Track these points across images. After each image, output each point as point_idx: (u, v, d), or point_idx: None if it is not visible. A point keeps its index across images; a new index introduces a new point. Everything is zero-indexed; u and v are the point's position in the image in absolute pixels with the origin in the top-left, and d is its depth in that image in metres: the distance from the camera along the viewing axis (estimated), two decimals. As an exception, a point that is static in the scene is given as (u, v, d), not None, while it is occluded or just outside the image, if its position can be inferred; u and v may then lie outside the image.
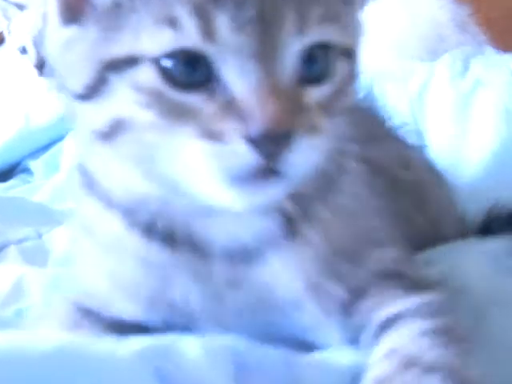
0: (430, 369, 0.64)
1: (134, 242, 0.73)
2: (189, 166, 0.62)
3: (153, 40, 0.61)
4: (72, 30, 0.67)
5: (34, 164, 2.05)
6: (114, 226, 0.74)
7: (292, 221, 0.73)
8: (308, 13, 0.64)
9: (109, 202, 0.74)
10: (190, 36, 0.61)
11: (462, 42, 2.02)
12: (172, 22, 0.61)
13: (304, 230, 0.73)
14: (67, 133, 2.01)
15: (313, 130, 0.63)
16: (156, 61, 0.61)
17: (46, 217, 1.42)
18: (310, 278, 0.74)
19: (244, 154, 0.60)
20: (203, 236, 0.72)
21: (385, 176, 0.92)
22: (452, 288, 0.78)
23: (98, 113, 0.65)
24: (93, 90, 0.65)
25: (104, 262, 0.76)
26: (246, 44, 0.61)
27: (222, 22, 0.60)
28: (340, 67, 0.68)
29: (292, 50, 0.63)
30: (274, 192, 0.65)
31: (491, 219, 1.18)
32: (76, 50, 0.66)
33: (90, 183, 0.76)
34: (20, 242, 1.24)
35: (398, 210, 0.91)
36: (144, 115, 0.62)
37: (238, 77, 0.61)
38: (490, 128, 1.47)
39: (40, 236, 1.31)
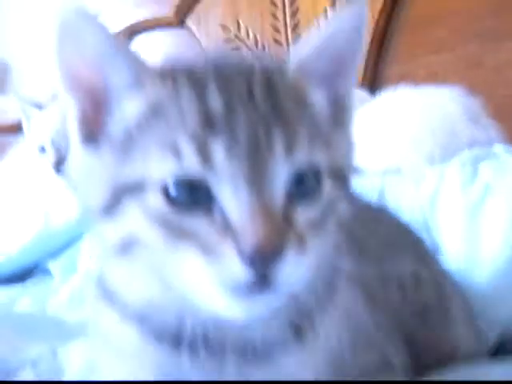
0: None
1: (148, 349, 0.77)
2: (191, 279, 0.68)
3: (158, 167, 0.69)
4: (91, 156, 0.75)
5: (52, 265, 2.07)
6: (130, 336, 0.78)
7: (297, 327, 0.78)
8: (296, 140, 0.70)
9: (125, 312, 0.79)
10: (190, 163, 0.68)
11: (475, 136, 2.02)
12: (175, 151, 0.68)
13: (309, 335, 0.78)
14: (85, 233, 2.06)
15: (301, 245, 0.68)
16: (161, 186, 0.68)
17: (60, 331, 1.43)
18: (317, 377, 0.79)
19: (238, 270, 0.66)
20: (216, 339, 0.76)
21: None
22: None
23: (114, 229, 0.72)
24: (109, 209, 0.72)
25: (121, 370, 0.80)
26: (239, 170, 0.67)
27: (218, 151, 0.67)
28: (328, 188, 0.73)
29: (282, 173, 0.69)
30: (269, 303, 0.70)
31: (505, 340, 1.20)
32: (94, 173, 0.74)
33: (107, 295, 0.82)
34: (34, 364, 1.25)
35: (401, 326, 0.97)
36: (151, 234, 0.69)
37: (232, 200, 0.67)
38: (501, 238, 1.47)
39: (54, 355, 1.31)
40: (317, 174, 0.73)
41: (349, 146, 0.81)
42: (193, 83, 0.72)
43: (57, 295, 1.83)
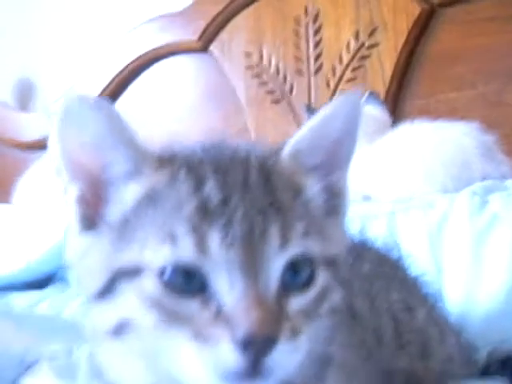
0: None
1: None
2: (183, 364, 0.69)
3: (155, 254, 0.70)
4: (89, 238, 0.76)
5: (70, 274, 2.11)
6: None
7: None
8: (291, 230, 0.71)
9: None
10: (186, 251, 0.69)
11: (487, 171, 2.07)
12: (171, 239, 0.69)
13: None
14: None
15: (294, 334, 0.69)
16: (157, 272, 0.69)
17: (76, 333, 1.48)
18: None
19: (230, 356, 0.67)
20: None
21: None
22: None
23: (108, 313, 0.73)
24: (104, 293, 0.73)
25: None
26: (234, 260, 0.69)
27: (214, 240, 0.69)
28: (321, 276, 0.74)
29: (276, 263, 0.70)
30: None
31: (491, 361, 1.21)
32: (91, 257, 0.76)
33: (98, 373, 0.82)
34: (51, 359, 1.29)
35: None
36: (145, 318, 0.70)
37: (226, 288, 0.69)
38: (504, 268, 1.51)
39: (70, 353, 1.36)
40: (310, 264, 0.74)
41: (342, 234, 0.83)
42: (190, 172, 0.74)
43: (73, 302, 1.88)
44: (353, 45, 2.75)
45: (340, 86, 2.76)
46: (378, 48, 2.71)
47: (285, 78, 2.88)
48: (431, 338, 1.12)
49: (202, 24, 3.03)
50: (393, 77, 2.67)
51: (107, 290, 0.72)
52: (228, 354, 0.67)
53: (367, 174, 2.22)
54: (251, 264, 0.69)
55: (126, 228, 0.74)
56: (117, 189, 0.76)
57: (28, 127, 3.38)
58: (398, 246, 1.29)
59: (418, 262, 1.29)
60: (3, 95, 3.61)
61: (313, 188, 0.79)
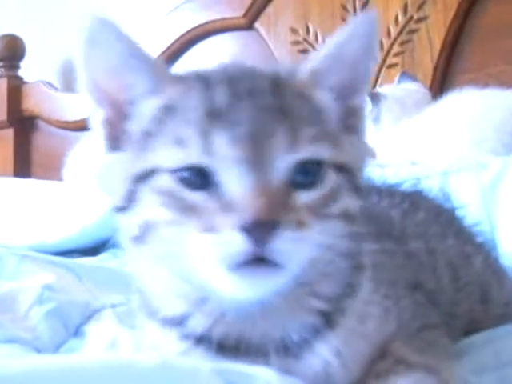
0: None
1: (189, 354, 0.81)
2: (195, 256, 0.73)
3: (168, 156, 0.75)
4: (113, 156, 0.82)
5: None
6: (171, 342, 0.83)
7: (328, 315, 0.81)
8: (300, 134, 0.75)
9: (162, 321, 0.84)
10: (194, 153, 0.74)
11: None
12: (181, 142, 0.75)
13: (341, 321, 0.81)
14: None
15: (299, 225, 0.73)
16: (170, 171, 0.75)
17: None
18: (360, 361, 0.82)
19: (236, 241, 0.70)
20: (252, 338, 0.80)
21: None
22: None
23: (132, 220, 0.78)
24: (127, 201, 0.78)
25: None
26: (239, 155, 0.73)
27: (220, 139, 0.73)
28: (330, 178, 0.78)
29: (282, 161, 0.74)
30: (272, 281, 0.75)
31: None
32: (116, 169, 0.80)
33: (145, 304, 0.88)
34: (114, 306, 1.32)
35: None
36: (164, 214, 0.74)
37: (232, 182, 0.73)
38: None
39: (130, 301, 1.39)
40: (319, 166, 0.77)
41: (361, 151, 0.86)
42: (202, 82, 0.79)
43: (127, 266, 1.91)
44: (401, 18, 2.74)
45: (387, 61, 2.76)
46: (427, 22, 2.70)
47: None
48: (489, 283, 1.14)
49: (248, 0, 3.04)
50: (441, 51, 2.66)
51: (129, 199, 0.77)
52: (233, 239, 0.70)
53: (415, 142, 2.22)
54: (257, 160, 0.73)
55: (145, 140, 0.79)
56: (138, 106, 0.81)
57: (73, 108, 3.43)
58: (452, 203, 1.30)
59: (472, 218, 1.29)
60: (49, 77, 3.66)
61: (327, 101, 0.82)
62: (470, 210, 1.47)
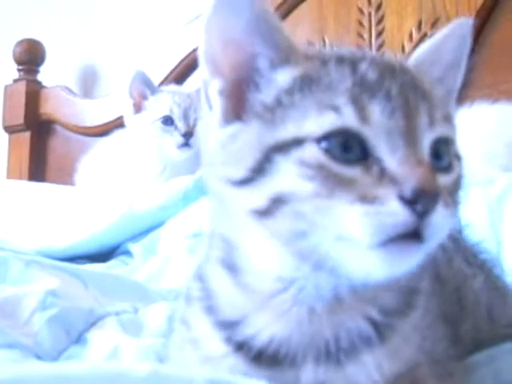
0: None
1: (230, 358, 0.81)
2: (343, 229, 0.71)
3: (316, 123, 0.73)
4: (234, 127, 0.79)
5: (133, 247, 2.17)
6: (216, 343, 0.83)
7: (379, 327, 0.80)
8: (435, 112, 0.77)
9: (216, 319, 0.83)
10: (349, 119, 0.73)
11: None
12: (334, 108, 0.73)
13: (389, 336, 0.80)
14: (165, 221, 2.16)
15: (447, 202, 0.73)
16: (319, 140, 0.73)
17: (142, 294, 1.52)
18: (387, 380, 0.80)
19: (398, 213, 0.69)
20: (297, 343, 0.79)
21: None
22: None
23: (258, 192, 0.75)
24: (256, 172, 0.75)
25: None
26: (395, 127, 0.73)
27: (375, 110, 0.73)
28: (457, 165, 0.80)
29: (426, 139, 0.75)
30: (414, 258, 0.74)
31: None
32: (239, 141, 0.78)
33: (207, 297, 0.86)
34: (118, 314, 1.34)
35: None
36: (306, 187, 0.72)
37: (389, 152, 0.72)
38: None
39: (136, 311, 1.40)
40: (449, 148, 0.79)
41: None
42: (341, 61, 0.78)
43: (136, 273, 1.93)
44: (415, 35, 2.74)
45: (402, 76, 2.76)
46: (441, 38, 2.70)
47: (346, 66, 2.88)
48: (492, 302, 1.13)
49: (266, 12, 3.05)
50: (454, 67, 2.66)
51: (261, 168, 0.74)
52: (395, 209, 0.69)
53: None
54: (410, 133, 0.73)
55: (279, 110, 0.76)
56: (266, 76, 0.79)
57: (91, 113, 3.45)
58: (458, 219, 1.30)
59: (478, 234, 1.29)
60: (67, 82, 3.68)
61: (439, 93, 0.83)
62: (477, 226, 1.48)
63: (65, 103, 3.57)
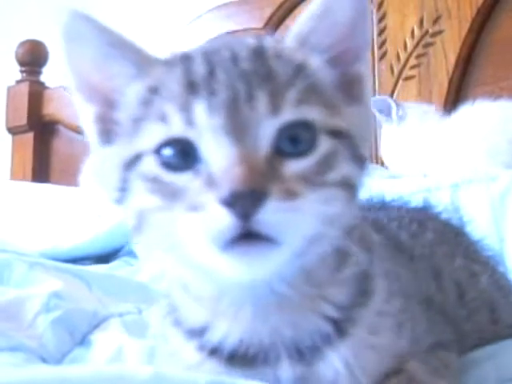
0: None
1: (206, 364, 0.81)
2: (185, 238, 0.71)
3: (150, 136, 0.74)
4: (106, 150, 0.81)
5: (137, 247, 2.16)
6: (190, 351, 0.83)
7: (337, 322, 0.80)
8: (282, 97, 0.73)
9: (184, 329, 0.84)
10: (175, 126, 0.72)
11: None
12: (163, 119, 0.73)
13: (351, 331, 0.80)
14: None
15: (289, 194, 0.70)
16: (153, 152, 0.73)
17: (146, 295, 1.52)
18: (368, 374, 0.81)
19: (220, 217, 0.68)
20: (264, 343, 0.79)
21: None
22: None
23: (128, 211, 0.77)
24: (122, 191, 0.76)
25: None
26: (218, 125, 0.71)
27: (199, 110, 0.72)
28: (324, 144, 0.74)
29: (266, 128, 0.72)
30: (270, 258, 0.71)
31: None
32: (109, 162, 0.79)
33: (173, 311, 0.87)
34: (121, 315, 1.34)
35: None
36: (151, 200, 0.73)
37: (214, 154, 0.71)
38: None
39: (140, 312, 1.40)
40: (311, 132, 0.74)
41: (367, 120, 0.84)
42: (182, 59, 0.77)
43: (140, 274, 1.92)
44: (417, 32, 2.76)
45: (404, 73, 2.78)
46: (442, 35, 2.72)
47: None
48: (496, 300, 1.13)
49: (268, 12, 3.06)
50: (456, 64, 2.68)
51: (123, 188, 0.76)
52: (217, 214, 0.68)
53: (429, 154, 2.23)
54: (236, 128, 0.71)
55: (133, 125, 0.77)
56: (124, 93, 0.80)
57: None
58: (461, 216, 1.31)
59: (481, 231, 1.30)
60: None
61: (317, 63, 0.79)
62: (480, 223, 1.49)
63: (68, 104, 3.55)
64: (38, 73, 3.67)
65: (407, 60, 2.77)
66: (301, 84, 0.74)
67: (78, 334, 1.24)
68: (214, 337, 0.81)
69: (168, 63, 0.78)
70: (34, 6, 3.91)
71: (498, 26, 2.64)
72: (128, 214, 0.77)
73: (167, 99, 0.74)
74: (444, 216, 1.27)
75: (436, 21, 2.72)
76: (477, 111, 2.22)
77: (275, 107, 0.72)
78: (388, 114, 2.49)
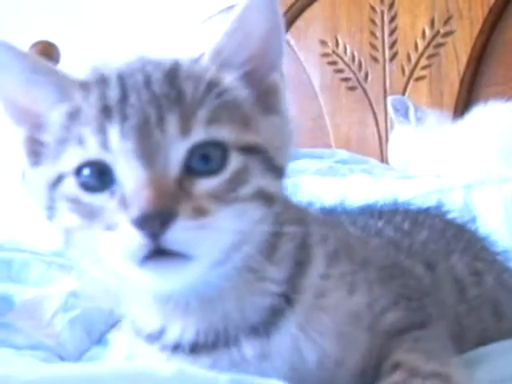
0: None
1: (171, 361, 0.83)
2: (105, 255, 0.74)
3: (69, 158, 0.76)
4: (35, 170, 0.83)
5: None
6: (154, 356, 0.85)
7: (285, 296, 0.82)
8: (192, 118, 0.74)
9: (144, 336, 0.86)
10: (92, 149, 0.74)
11: None
12: (80, 142, 0.75)
13: (297, 299, 0.82)
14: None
15: (199, 213, 0.72)
16: (72, 173, 0.76)
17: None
18: (332, 335, 0.83)
19: (131, 237, 0.70)
20: (220, 328, 0.82)
21: None
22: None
23: (56, 228, 0.80)
24: (49, 209, 0.79)
25: None
26: (130, 149, 0.73)
27: (113, 134, 0.73)
28: (235, 161, 0.76)
29: (176, 149, 0.73)
30: (184, 272, 0.74)
31: None
32: (37, 183, 0.81)
33: (132, 322, 0.90)
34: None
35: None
36: (72, 219, 0.76)
37: (126, 176, 0.73)
38: None
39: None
40: (222, 150, 0.75)
41: (283, 130, 0.83)
42: (98, 84, 0.78)
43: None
44: (428, 32, 2.76)
45: (415, 73, 2.78)
46: (453, 36, 2.72)
47: (360, 65, 2.92)
48: (501, 299, 1.13)
49: (278, 13, 3.06)
50: (468, 64, 2.68)
51: (49, 207, 0.79)
52: (128, 234, 0.70)
53: (442, 155, 2.24)
54: (147, 151, 0.73)
55: (57, 146, 0.79)
56: (49, 116, 0.81)
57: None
58: (474, 216, 1.31)
59: (493, 232, 1.30)
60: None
61: (232, 81, 0.79)
62: (492, 224, 1.49)
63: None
64: (50, 74, 3.67)
65: (418, 60, 2.78)
66: (211, 103, 0.76)
67: (95, 333, 1.26)
68: (172, 336, 0.83)
69: (86, 86, 0.79)
70: (46, 7, 3.92)
71: (509, 27, 2.64)
72: (56, 231, 0.80)
73: (84, 123, 0.76)
74: (451, 216, 1.28)
75: (447, 21, 2.72)
76: (489, 112, 2.23)
77: (185, 129, 0.74)
78: (404, 114, 2.50)
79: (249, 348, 0.81)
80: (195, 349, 0.82)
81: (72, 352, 1.18)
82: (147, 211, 0.69)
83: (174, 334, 0.83)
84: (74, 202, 0.76)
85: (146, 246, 0.70)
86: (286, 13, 3.04)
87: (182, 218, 0.70)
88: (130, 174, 0.73)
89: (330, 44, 2.97)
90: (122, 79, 0.78)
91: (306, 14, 3.03)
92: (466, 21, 2.69)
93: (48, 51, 3.63)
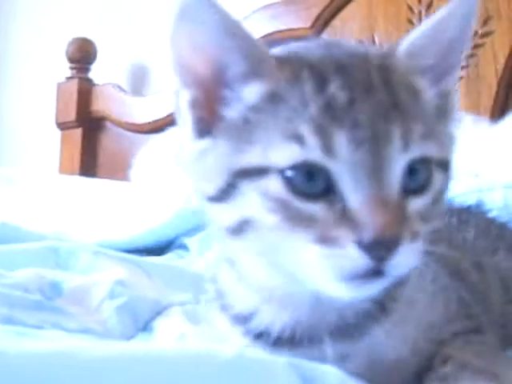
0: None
1: (250, 348, 0.82)
2: (306, 266, 0.72)
3: (280, 154, 0.71)
4: (205, 142, 0.78)
5: (189, 241, 2.19)
6: (236, 336, 0.86)
7: (380, 302, 0.82)
8: (411, 131, 0.72)
9: (231, 315, 0.87)
10: (313, 151, 0.70)
11: None
12: (297, 139, 0.70)
13: (394, 308, 0.83)
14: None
15: (414, 236, 0.71)
16: (282, 172, 0.71)
17: (201, 285, 1.55)
18: (409, 343, 0.84)
19: (356, 258, 0.69)
20: (308, 326, 0.82)
21: None
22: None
23: (228, 212, 0.75)
24: (224, 193, 0.74)
25: None
26: (361, 160, 0.69)
27: (341, 140, 0.70)
28: (437, 178, 0.75)
29: (398, 165, 0.71)
30: (376, 288, 0.75)
31: None
32: (209, 159, 0.77)
33: (220, 297, 0.90)
34: (182, 304, 1.37)
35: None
36: (269, 218, 0.72)
37: (352, 189, 0.70)
38: None
39: (198, 302, 1.43)
40: (428, 167, 0.74)
41: (450, 137, 0.82)
42: (312, 70, 0.73)
43: (193, 265, 1.95)
44: (462, 36, 2.75)
45: (452, 74, 2.77)
46: (492, 37, 2.70)
47: (396, 64, 2.89)
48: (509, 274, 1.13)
49: (315, 11, 3.05)
50: (506, 65, 2.66)
51: (227, 192, 0.74)
52: (353, 254, 0.69)
53: (481, 154, 2.24)
54: (376, 166, 0.70)
55: (246, 128, 0.74)
56: (236, 90, 0.76)
57: (141, 111, 3.49)
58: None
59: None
60: (118, 79, 3.73)
61: (428, 89, 0.79)
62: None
63: (115, 101, 3.62)
64: (87, 70, 3.71)
65: (456, 61, 2.77)
66: (422, 117, 0.74)
67: (141, 321, 1.28)
68: (260, 323, 0.83)
69: (291, 68, 0.75)
70: (84, 4, 3.96)
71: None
72: (225, 216, 0.76)
73: (300, 117, 0.71)
74: (492, 214, 1.29)
75: (486, 22, 2.70)
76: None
77: (406, 143, 0.71)
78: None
79: (330, 348, 0.80)
80: (278, 342, 0.82)
81: (119, 338, 1.19)
82: (380, 237, 0.68)
83: (263, 320, 0.83)
84: (277, 202, 0.71)
85: (369, 268, 0.70)
86: (321, 12, 3.04)
87: (404, 243, 0.70)
88: (356, 187, 0.70)
89: (366, 43, 2.96)
90: (342, 75, 0.73)
91: (343, 13, 3.02)
92: (505, 21, 2.67)
93: (85, 47, 3.68)
